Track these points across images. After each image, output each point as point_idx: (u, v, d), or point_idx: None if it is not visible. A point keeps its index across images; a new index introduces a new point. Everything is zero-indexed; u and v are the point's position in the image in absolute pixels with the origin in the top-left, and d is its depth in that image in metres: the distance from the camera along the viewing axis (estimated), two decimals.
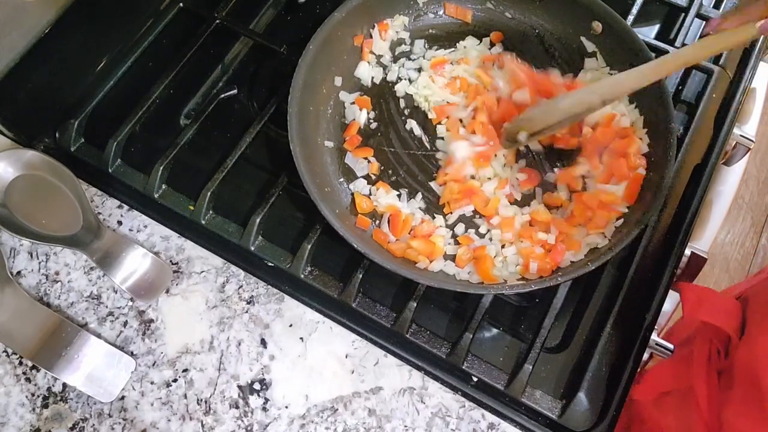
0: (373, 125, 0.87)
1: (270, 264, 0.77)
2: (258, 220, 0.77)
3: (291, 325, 0.75)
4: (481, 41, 0.91)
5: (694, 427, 0.69)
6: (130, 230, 0.80)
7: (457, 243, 0.79)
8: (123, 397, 0.72)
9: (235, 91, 0.90)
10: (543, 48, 0.91)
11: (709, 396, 0.68)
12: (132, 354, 0.74)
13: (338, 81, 0.87)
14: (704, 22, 0.96)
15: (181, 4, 0.93)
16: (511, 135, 0.76)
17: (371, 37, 0.89)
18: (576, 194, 0.80)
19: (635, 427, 0.83)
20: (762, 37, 0.93)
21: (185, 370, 0.73)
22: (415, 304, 0.73)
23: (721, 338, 0.70)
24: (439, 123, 0.86)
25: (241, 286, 0.77)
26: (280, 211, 0.81)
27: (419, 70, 0.90)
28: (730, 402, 0.66)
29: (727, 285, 1.92)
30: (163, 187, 0.81)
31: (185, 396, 0.72)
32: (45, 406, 0.71)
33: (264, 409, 0.72)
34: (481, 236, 0.79)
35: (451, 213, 0.80)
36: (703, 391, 0.69)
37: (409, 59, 0.91)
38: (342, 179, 0.83)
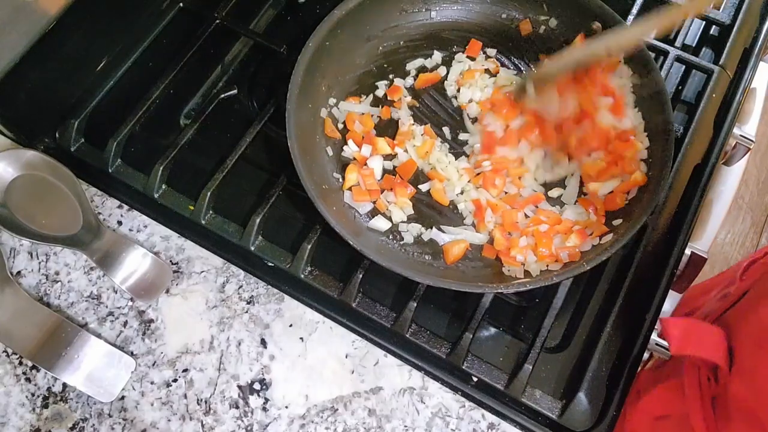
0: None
1: (270, 264, 0.77)
2: (258, 220, 0.77)
3: (291, 325, 0.75)
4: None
5: None
6: (130, 230, 0.80)
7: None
8: (123, 397, 0.72)
9: (235, 91, 0.90)
10: (542, 48, 0.91)
11: (707, 425, 0.68)
12: (132, 354, 0.74)
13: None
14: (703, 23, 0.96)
15: (181, 4, 0.93)
16: (519, 87, 0.81)
17: None
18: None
19: None
20: (762, 37, 0.93)
21: (185, 370, 0.73)
22: (415, 304, 0.73)
23: (709, 365, 0.70)
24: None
25: (241, 286, 0.77)
26: (280, 211, 0.81)
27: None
28: None
29: None
30: (163, 187, 0.81)
31: (185, 396, 0.72)
32: (45, 406, 0.71)
33: (264, 409, 0.72)
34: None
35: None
36: (700, 421, 0.69)
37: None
38: (339, 176, 0.83)
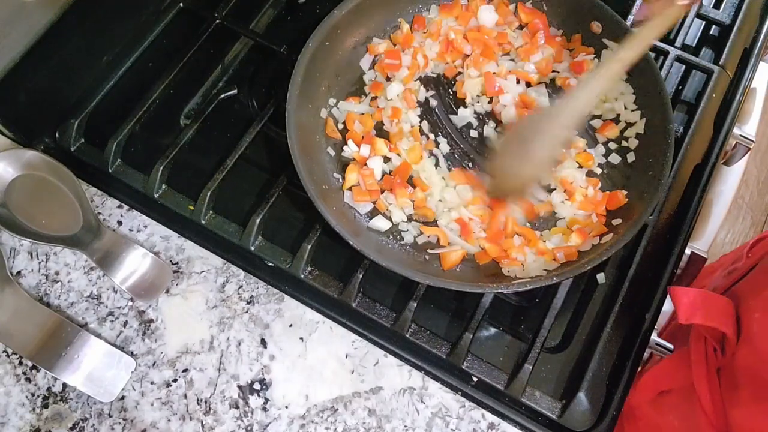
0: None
1: (270, 264, 0.77)
2: (258, 220, 0.77)
3: (291, 325, 0.75)
4: None
5: (699, 426, 0.69)
6: (130, 230, 0.80)
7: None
8: (123, 397, 0.72)
9: (235, 91, 0.90)
10: None
11: (712, 396, 0.68)
12: (132, 354, 0.74)
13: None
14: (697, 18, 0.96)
15: (181, 4, 0.93)
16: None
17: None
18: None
19: (628, 425, 0.83)
20: (762, 37, 0.93)
21: (185, 370, 0.73)
22: (415, 304, 0.73)
23: (716, 336, 0.70)
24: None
25: (241, 286, 0.77)
26: (280, 211, 0.80)
27: None
28: (738, 404, 0.65)
29: None
30: (163, 187, 0.81)
31: (185, 396, 0.72)
32: (45, 406, 0.71)
33: (264, 409, 0.72)
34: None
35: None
36: (705, 391, 0.69)
37: None
38: (340, 176, 0.83)
